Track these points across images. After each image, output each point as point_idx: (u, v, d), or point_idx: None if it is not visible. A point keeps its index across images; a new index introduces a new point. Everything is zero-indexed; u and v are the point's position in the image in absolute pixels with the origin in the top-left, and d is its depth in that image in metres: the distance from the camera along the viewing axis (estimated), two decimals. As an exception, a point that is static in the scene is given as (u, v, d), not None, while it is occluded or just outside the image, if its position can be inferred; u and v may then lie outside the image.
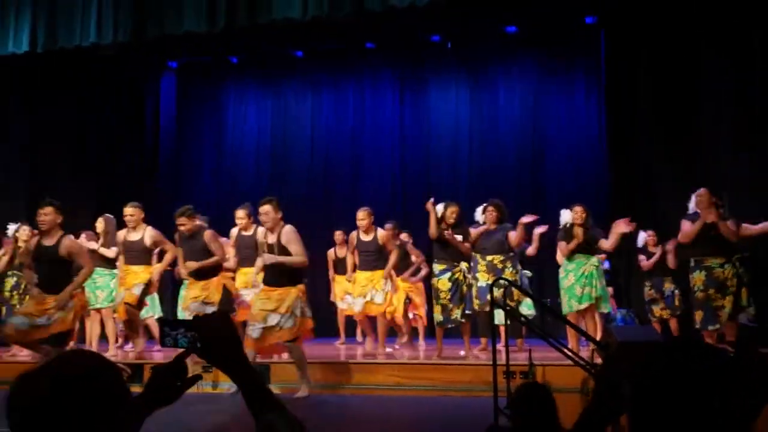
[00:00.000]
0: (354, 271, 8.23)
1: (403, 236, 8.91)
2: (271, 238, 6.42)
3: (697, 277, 6.96)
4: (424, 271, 8.63)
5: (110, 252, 8.08)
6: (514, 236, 7.49)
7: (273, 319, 6.19)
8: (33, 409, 1.19)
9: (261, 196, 12.05)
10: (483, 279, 7.33)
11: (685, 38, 8.88)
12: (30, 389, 1.21)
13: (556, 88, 10.81)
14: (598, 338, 5.74)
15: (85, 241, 8.00)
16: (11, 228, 8.40)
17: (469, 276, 7.37)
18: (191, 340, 1.41)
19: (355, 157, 11.37)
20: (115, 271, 8.33)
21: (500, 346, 5.55)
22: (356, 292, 8.02)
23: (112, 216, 8.32)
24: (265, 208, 6.39)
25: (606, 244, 7.34)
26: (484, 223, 7.60)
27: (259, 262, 6.76)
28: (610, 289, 8.41)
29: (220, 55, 11.24)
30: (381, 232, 7.98)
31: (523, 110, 10.86)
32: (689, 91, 8.92)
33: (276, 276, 6.36)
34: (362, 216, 7.94)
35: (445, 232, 7.32)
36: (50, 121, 10.17)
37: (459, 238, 7.33)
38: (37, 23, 8.49)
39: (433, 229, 7.30)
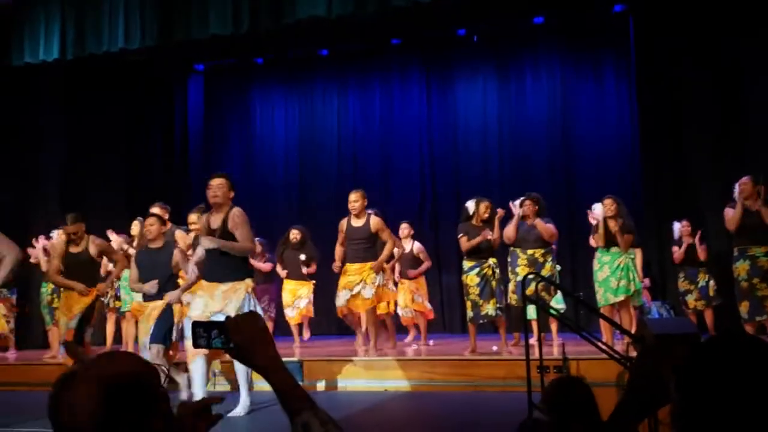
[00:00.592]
0: (342, 263, 7.40)
1: (417, 247, 8.76)
2: (216, 221, 5.59)
3: (741, 267, 6.91)
4: (425, 265, 8.68)
5: None
6: (548, 228, 7.47)
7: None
8: (77, 411, 1.19)
9: (290, 196, 12.17)
10: (523, 273, 7.30)
11: (717, 23, 8.71)
12: (73, 391, 1.21)
13: (584, 78, 10.70)
14: (633, 331, 5.67)
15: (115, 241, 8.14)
16: (54, 235, 8.58)
17: (497, 271, 7.33)
18: (225, 341, 1.43)
19: (383, 154, 11.36)
20: None
21: (533, 341, 5.51)
22: (342, 283, 7.24)
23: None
24: (218, 181, 5.58)
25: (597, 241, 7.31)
26: (522, 216, 7.54)
27: (200, 251, 5.70)
28: (646, 281, 8.33)
29: (245, 56, 11.30)
30: (374, 219, 7.19)
31: (552, 101, 10.77)
32: (723, 77, 8.75)
33: (219, 268, 5.48)
34: (354, 198, 7.16)
35: (478, 239, 7.27)
36: (81, 127, 10.32)
37: (489, 235, 7.29)
38: (66, 31, 8.63)
39: (511, 232, 7.39)
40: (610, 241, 7.25)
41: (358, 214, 7.19)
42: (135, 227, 8.37)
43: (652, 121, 9.46)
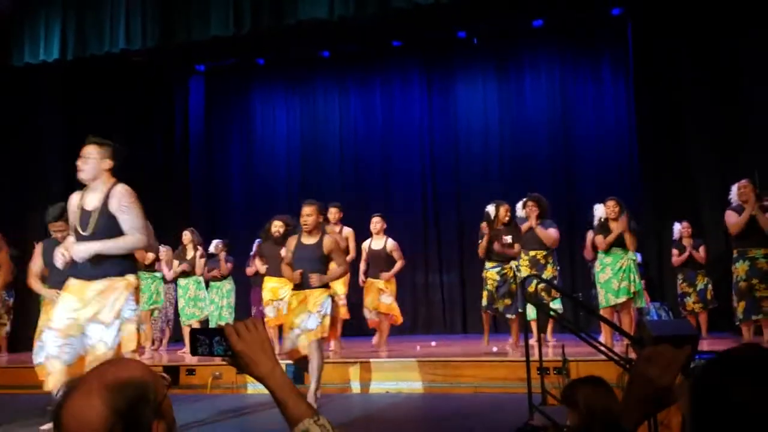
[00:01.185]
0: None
1: (391, 245, 8.08)
2: (93, 201, 4.28)
3: (740, 267, 6.98)
4: (398, 265, 8.05)
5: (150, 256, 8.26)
6: (548, 235, 7.49)
7: (93, 331, 4.15)
8: (85, 418, 1.19)
9: (291, 197, 12.15)
10: (525, 273, 7.35)
11: (715, 24, 8.74)
12: (81, 398, 1.22)
13: (583, 81, 10.74)
14: (632, 333, 5.68)
15: None
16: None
17: (519, 274, 7.39)
18: (227, 347, 1.39)
19: (384, 155, 11.38)
20: (156, 274, 8.49)
21: (533, 341, 5.53)
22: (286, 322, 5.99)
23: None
24: (89, 150, 4.34)
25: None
26: (526, 218, 7.60)
27: (67, 245, 4.41)
28: (642, 282, 8.35)
29: (247, 57, 11.31)
30: (327, 239, 5.93)
31: (552, 103, 10.80)
32: (721, 78, 8.77)
33: (91, 261, 4.21)
34: (308, 212, 5.89)
35: (496, 246, 7.31)
36: (81, 127, 10.31)
37: (508, 239, 7.31)
38: (67, 31, 8.63)
39: (481, 251, 7.35)
40: (612, 242, 7.25)
41: (311, 231, 5.92)
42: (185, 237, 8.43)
43: (651, 122, 9.50)
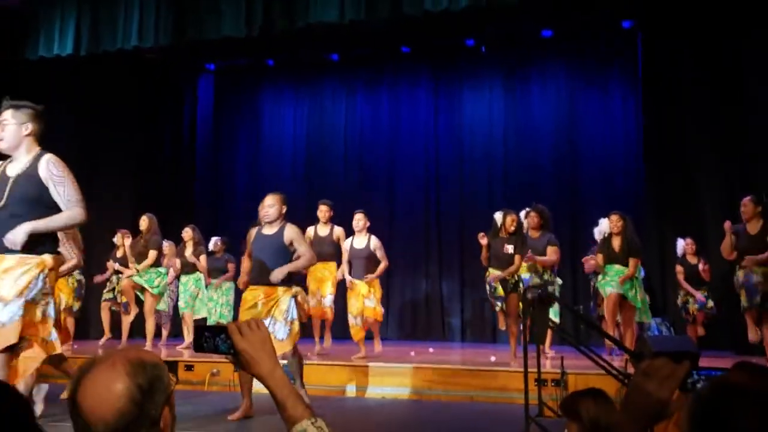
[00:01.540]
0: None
1: (374, 243, 7.68)
2: (15, 170, 3.85)
3: (741, 272, 6.80)
4: (382, 266, 7.69)
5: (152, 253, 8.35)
6: (547, 261, 7.53)
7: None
8: (107, 391, 1.24)
9: (296, 197, 12.17)
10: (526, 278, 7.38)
11: (725, 40, 8.74)
12: (104, 371, 1.26)
13: (591, 93, 10.73)
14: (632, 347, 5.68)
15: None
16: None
17: (521, 285, 7.36)
18: (230, 345, 1.43)
19: (389, 160, 11.39)
20: (161, 269, 8.54)
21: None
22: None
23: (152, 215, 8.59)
24: (5, 115, 3.90)
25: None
26: (527, 228, 7.62)
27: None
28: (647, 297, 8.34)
29: (257, 58, 11.36)
30: (289, 228, 5.59)
31: (558, 115, 10.80)
32: (730, 94, 8.76)
33: (2, 232, 3.68)
34: (270, 202, 5.63)
35: (484, 254, 7.33)
36: (91, 122, 10.36)
37: (510, 248, 7.29)
38: (81, 26, 8.69)
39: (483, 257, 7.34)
40: (613, 259, 7.22)
41: (272, 222, 5.61)
42: (143, 222, 8.46)
43: (658, 136, 9.48)
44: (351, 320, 7.58)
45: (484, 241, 7.28)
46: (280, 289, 5.40)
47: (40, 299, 3.67)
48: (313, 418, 1.38)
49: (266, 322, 5.17)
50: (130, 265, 8.51)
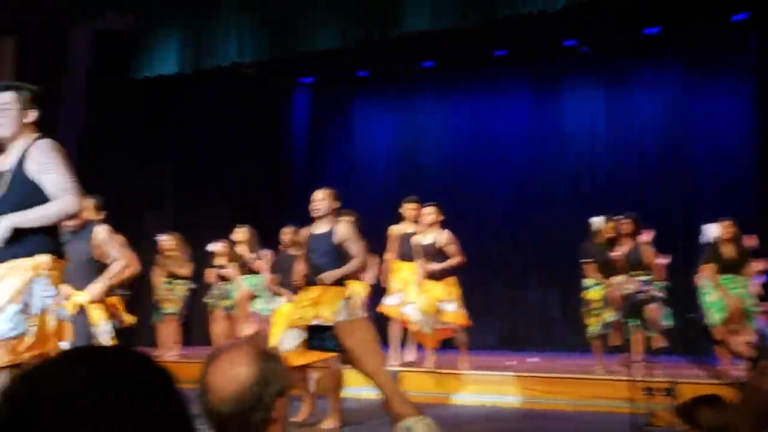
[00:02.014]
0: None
1: (447, 237, 7.33)
2: (11, 161, 3.35)
3: None
4: (454, 260, 7.21)
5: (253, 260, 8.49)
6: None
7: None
8: (235, 374, 1.37)
9: (391, 210, 12.21)
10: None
11: None
12: (236, 356, 1.39)
13: (700, 93, 10.15)
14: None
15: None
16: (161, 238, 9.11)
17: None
18: (337, 343, 1.51)
19: (487, 167, 11.21)
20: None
21: (638, 360, 5.32)
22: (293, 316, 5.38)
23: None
24: (5, 98, 3.34)
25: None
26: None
27: None
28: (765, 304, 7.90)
29: (350, 69, 11.49)
30: (341, 226, 5.51)
31: (664, 116, 10.33)
32: None
33: None
34: (321, 196, 5.64)
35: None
36: (191, 139, 10.79)
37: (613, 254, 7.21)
38: (184, 47, 9.06)
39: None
40: (729, 268, 6.88)
41: (322, 218, 5.53)
42: (240, 235, 8.63)
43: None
44: (417, 321, 7.03)
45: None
46: (333, 290, 5.28)
47: (47, 305, 3.20)
48: (421, 416, 1.42)
49: (314, 323, 4.93)
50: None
